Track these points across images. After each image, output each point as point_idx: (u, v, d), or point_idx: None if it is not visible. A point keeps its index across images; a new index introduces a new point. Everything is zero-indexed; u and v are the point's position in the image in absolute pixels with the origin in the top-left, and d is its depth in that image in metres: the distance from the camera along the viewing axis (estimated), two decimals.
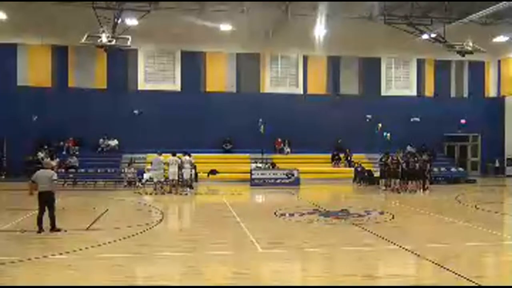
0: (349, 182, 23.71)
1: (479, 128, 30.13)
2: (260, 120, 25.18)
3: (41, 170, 10.34)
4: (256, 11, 22.75)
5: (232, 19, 23.81)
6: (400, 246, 8.88)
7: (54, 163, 20.13)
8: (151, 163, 20.36)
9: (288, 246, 9.14)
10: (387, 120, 26.78)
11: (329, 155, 27.20)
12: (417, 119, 29.19)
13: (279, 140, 27.70)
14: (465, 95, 30.89)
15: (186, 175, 19.27)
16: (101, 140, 25.93)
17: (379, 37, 25.67)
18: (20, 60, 26.03)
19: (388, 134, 25.45)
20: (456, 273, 7.07)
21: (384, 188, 20.42)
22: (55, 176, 10.26)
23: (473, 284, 6.58)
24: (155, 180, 19.02)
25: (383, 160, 20.87)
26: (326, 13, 22.27)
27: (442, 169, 25.60)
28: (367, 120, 28.18)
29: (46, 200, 10.03)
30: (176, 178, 18.87)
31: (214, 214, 13.56)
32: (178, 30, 24.44)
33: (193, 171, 20.26)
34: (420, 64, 30.32)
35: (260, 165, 24.24)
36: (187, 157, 19.36)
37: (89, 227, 10.80)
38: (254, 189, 21.24)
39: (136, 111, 26.20)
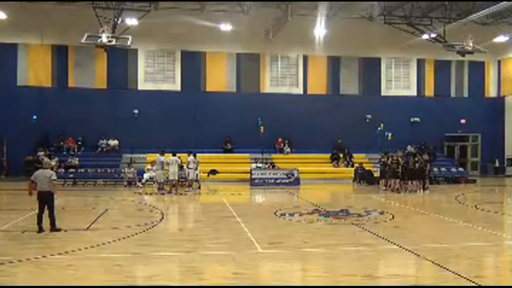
0: (349, 182, 23.72)
1: (479, 128, 30.14)
2: (260, 120, 25.18)
3: (40, 170, 10.31)
4: (256, 11, 22.77)
5: (232, 19, 23.83)
6: (400, 246, 8.88)
7: (53, 162, 20.17)
8: (152, 162, 20.39)
9: (288, 246, 9.14)
10: (387, 120, 26.80)
11: (329, 155, 27.21)
12: (417, 119, 29.22)
13: (279, 140, 27.71)
14: (465, 95, 30.89)
15: (190, 175, 19.28)
16: (101, 140, 25.93)
17: (379, 37, 25.71)
18: (20, 60, 26.04)
19: (390, 134, 25.47)
20: (456, 273, 7.06)
21: (384, 188, 20.42)
22: (54, 176, 10.22)
23: (473, 284, 6.57)
24: (159, 180, 18.99)
25: (383, 160, 20.87)
26: (326, 13, 22.29)
27: (442, 169, 25.60)
28: (367, 120, 28.21)
29: (45, 200, 10.01)
30: (176, 178, 18.86)
31: (214, 214, 13.55)
32: (178, 30, 24.46)
33: (196, 171, 20.18)
34: (420, 64, 30.33)
35: (260, 165, 24.24)
36: (191, 157, 19.36)
37: (89, 227, 10.79)
38: (254, 189, 21.25)
39: (136, 111, 26.20)
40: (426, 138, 28.03)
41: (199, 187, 19.63)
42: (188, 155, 19.46)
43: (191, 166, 19.26)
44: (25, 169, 22.20)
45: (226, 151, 27.00)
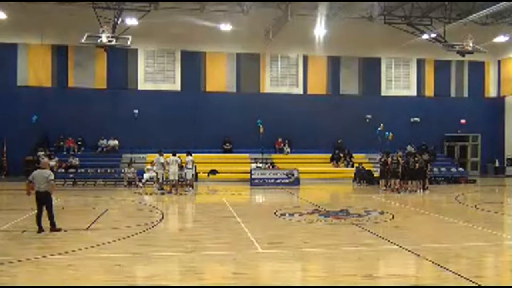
0: (349, 182, 23.71)
1: (479, 128, 30.14)
2: (259, 120, 25.20)
3: (38, 170, 10.26)
4: (256, 11, 22.78)
5: (232, 19, 23.83)
6: (400, 246, 8.87)
7: (53, 162, 20.18)
8: (151, 162, 20.40)
9: (288, 246, 9.13)
10: (387, 120, 26.81)
11: (329, 155, 27.20)
12: (417, 119, 29.22)
13: (279, 140, 27.71)
14: (465, 95, 30.89)
15: (189, 175, 19.29)
16: (101, 140, 25.93)
17: (379, 37, 25.71)
18: (20, 60, 26.03)
19: (390, 134, 25.51)
20: (456, 273, 7.06)
21: (384, 188, 20.41)
22: (51, 176, 10.16)
23: (473, 284, 6.57)
24: (159, 180, 18.97)
25: (383, 160, 20.87)
26: (326, 13, 22.30)
27: (442, 169, 25.62)
28: (367, 120, 28.22)
29: (43, 200, 9.99)
30: (176, 178, 18.86)
31: (214, 214, 13.55)
32: (178, 30, 24.47)
33: (194, 170, 20.32)
34: (420, 64, 30.33)
35: (260, 165, 24.24)
36: (190, 157, 19.37)
37: (89, 227, 10.79)
38: (254, 189, 21.24)
39: (136, 111, 26.22)
40: (426, 138, 28.01)
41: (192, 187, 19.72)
42: (187, 156, 19.47)
43: (189, 166, 19.28)
44: (25, 169, 22.17)
45: (226, 151, 27.00)
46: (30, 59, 26.14)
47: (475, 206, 15.40)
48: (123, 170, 22.27)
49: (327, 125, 27.35)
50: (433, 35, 23.64)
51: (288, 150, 27.55)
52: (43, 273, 7.09)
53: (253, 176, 22.34)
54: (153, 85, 27.39)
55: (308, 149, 27.00)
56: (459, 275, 6.98)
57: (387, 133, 25.79)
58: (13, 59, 25.87)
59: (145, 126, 25.65)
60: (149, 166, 21.43)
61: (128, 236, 9.73)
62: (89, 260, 7.92)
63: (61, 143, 25.45)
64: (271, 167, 24.19)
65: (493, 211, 14.19)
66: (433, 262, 7.72)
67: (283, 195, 19.02)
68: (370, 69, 29.56)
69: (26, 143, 24.15)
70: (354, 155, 27.00)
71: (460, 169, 26.97)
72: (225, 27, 24.46)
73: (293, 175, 22.57)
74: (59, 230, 10.05)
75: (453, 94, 30.75)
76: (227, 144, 27.14)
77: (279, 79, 28.98)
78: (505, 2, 20.36)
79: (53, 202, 10.30)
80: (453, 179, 24.97)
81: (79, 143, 25.75)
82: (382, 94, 29.76)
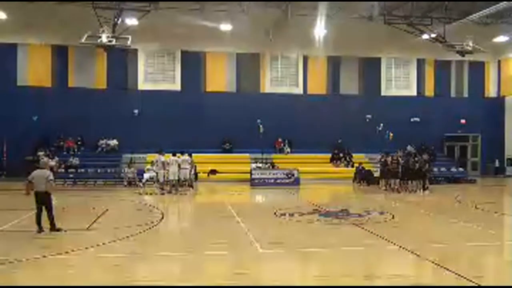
0: (349, 182, 23.70)
1: (479, 128, 30.13)
2: (259, 120, 25.17)
3: (38, 170, 10.21)
4: (256, 11, 22.77)
5: (232, 19, 23.81)
6: (400, 246, 8.87)
7: (53, 162, 20.18)
8: (152, 162, 20.39)
9: (288, 246, 9.13)
10: (387, 120, 26.81)
11: (329, 155, 27.20)
12: (417, 119, 29.20)
13: (279, 140, 27.70)
14: (465, 95, 30.89)
15: (185, 175, 19.28)
16: (101, 140, 25.92)
17: (379, 37, 25.69)
18: (20, 60, 26.03)
19: (391, 134, 25.52)
20: (456, 273, 7.06)
21: (384, 188, 20.41)
22: (51, 176, 10.13)
23: (473, 284, 6.57)
24: (160, 180, 18.97)
25: (383, 160, 20.87)
26: (326, 13, 22.28)
27: (442, 169, 25.64)
28: (367, 120, 28.21)
29: (43, 201, 9.96)
30: (176, 178, 18.84)
31: (214, 214, 13.55)
32: (178, 30, 24.45)
33: (193, 170, 20.31)
34: (420, 64, 30.32)
35: (260, 165, 24.23)
36: (186, 157, 19.36)
37: (89, 227, 10.79)
38: (254, 189, 21.25)
39: (136, 111, 26.22)
40: (426, 138, 28.00)
41: (192, 187, 19.69)
42: (182, 155, 19.42)
43: (186, 166, 19.22)
44: (25, 169, 22.11)
45: (226, 151, 26.99)
46: (30, 59, 26.13)
47: (475, 206, 15.39)
48: (123, 170, 22.28)
49: (327, 125, 27.32)
50: (433, 35, 23.62)
51: (288, 150, 27.55)
52: (43, 273, 7.09)
53: (253, 176, 22.34)
54: (153, 85, 27.39)
55: (308, 149, 26.96)
56: (459, 275, 6.98)
57: (387, 131, 25.77)
58: (13, 59, 25.87)
59: (145, 126, 25.62)
60: (149, 166, 21.41)
61: (128, 236, 9.72)
62: (89, 260, 7.92)
63: (61, 143, 25.45)
64: (271, 167, 24.18)
65: (493, 211, 14.19)
66: (433, 262, 7.72)
67: (283, 195, 19.01)
68: (370, 69, 29.55)
69: (26, 143, 24.17)
70: (354, 155, 27.01)
71: (460, 169, 26.98)
72: (225, 27, 24.44)
73: (293, 175, 22.57)
74: (59, 230, 10.04)
75: (453, 94, 30.73)
76: (227, 144, 27.14)
77: (279, 79, 28.97)
78: (505, 2, 20.35)
79: (53, 203, 10.29)
80: (453, 179, 24.99)
81: (79, 143, 25.76)
82: (382, 94, 29.75)
